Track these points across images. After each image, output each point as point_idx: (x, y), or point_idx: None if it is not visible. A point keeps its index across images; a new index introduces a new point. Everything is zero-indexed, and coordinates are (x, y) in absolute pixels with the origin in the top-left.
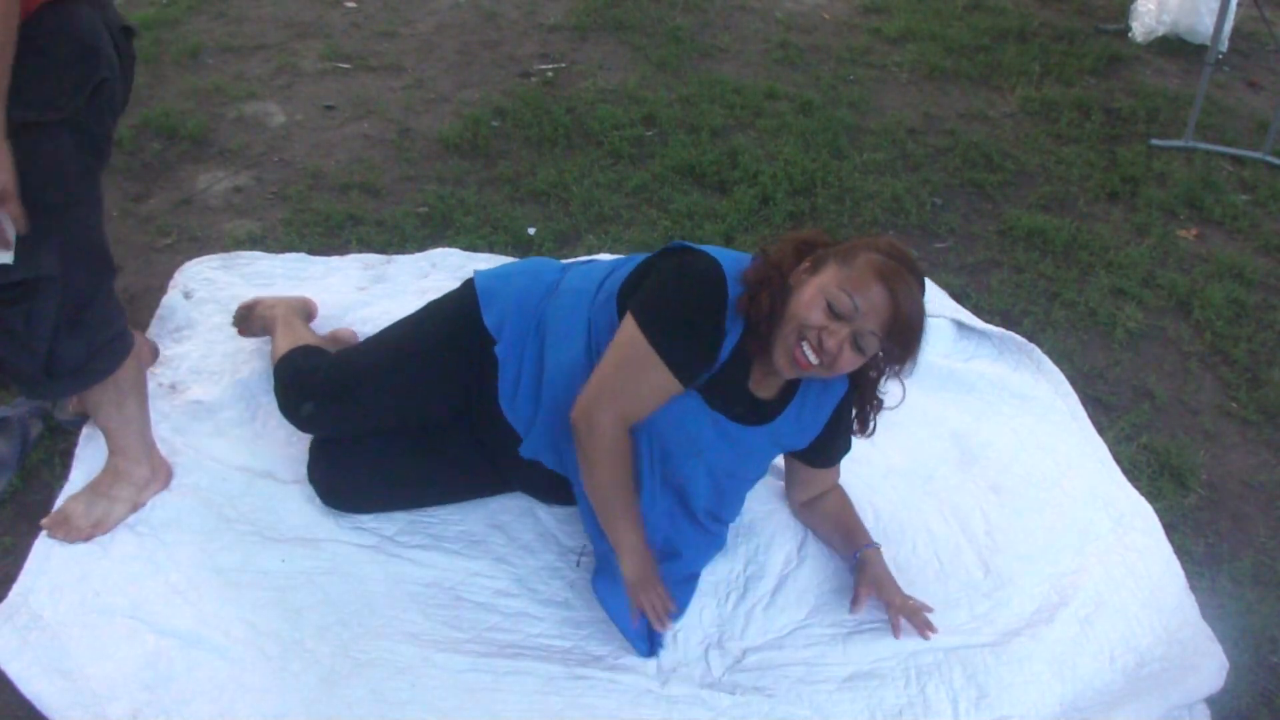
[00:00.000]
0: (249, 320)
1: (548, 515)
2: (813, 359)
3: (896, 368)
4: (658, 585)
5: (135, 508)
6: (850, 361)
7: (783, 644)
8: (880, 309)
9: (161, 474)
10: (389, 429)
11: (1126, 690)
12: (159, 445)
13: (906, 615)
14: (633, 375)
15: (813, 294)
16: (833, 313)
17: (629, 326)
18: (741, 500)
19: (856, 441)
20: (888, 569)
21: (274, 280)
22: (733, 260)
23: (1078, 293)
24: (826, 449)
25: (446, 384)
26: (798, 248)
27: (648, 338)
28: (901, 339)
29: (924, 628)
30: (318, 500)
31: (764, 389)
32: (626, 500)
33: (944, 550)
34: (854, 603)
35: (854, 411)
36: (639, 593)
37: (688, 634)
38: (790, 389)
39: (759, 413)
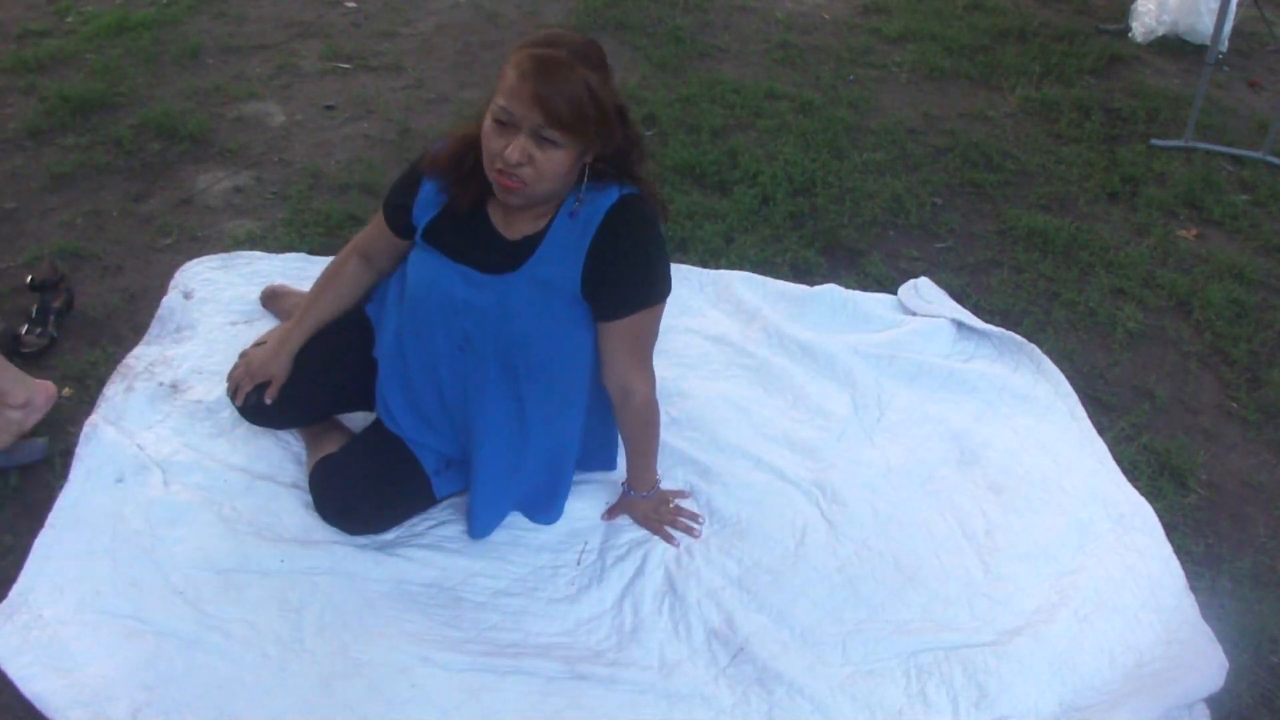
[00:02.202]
0: (276, 301)
1: None
2: (511, 178)
3: (614, 144)
4: None
5: (20, 429)
6: (551, 161)
7: (784, 642)
8: (532, 101)
9: (40, 396)
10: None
11: (1126, 690)
12: (160, 444)
13: (675, 525)
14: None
15: (486, 120)
16: (503, 127)
17: None
18: (569, 373)
19: (856, 441)
20: (647, 507)
21: (274, 280)
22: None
23: (1078, 293)
24: (601, 290)
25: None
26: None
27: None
28: (571, 119)
29: (688, 530)
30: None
31: (513, 229)
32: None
33: (944, 550)
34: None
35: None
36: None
37: (690, 623)
38: (549, 224)
39: (514, 256)
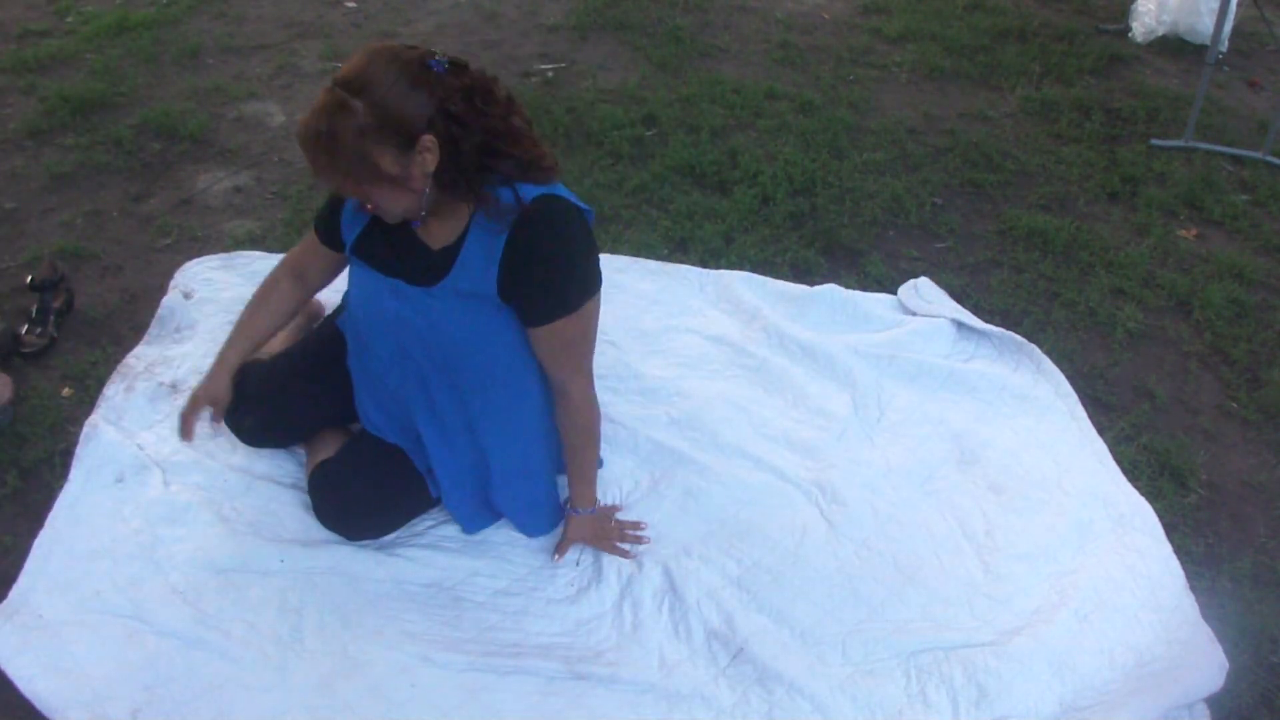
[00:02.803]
0: None
1: None
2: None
3: (424, 163)
4: None
5: None
6: (381, 199)
7: (784, 642)
8: (320, 175)
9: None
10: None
11: (1126, 690)
12: (160, 444)
13: (624, 539)
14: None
15: None
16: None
17: None
18: (511, 377)
19: (856, 441)
20: (593, 526)
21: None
22: None
23: (1078, 293)
24: (518, 299)
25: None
26: None
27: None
28: (355, 180)
29: (637, 540)
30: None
31: (435, 238)
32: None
33: (944, 550)
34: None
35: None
36: None
37: (689, 623)
38: (464, 234)
39: (437, 268)
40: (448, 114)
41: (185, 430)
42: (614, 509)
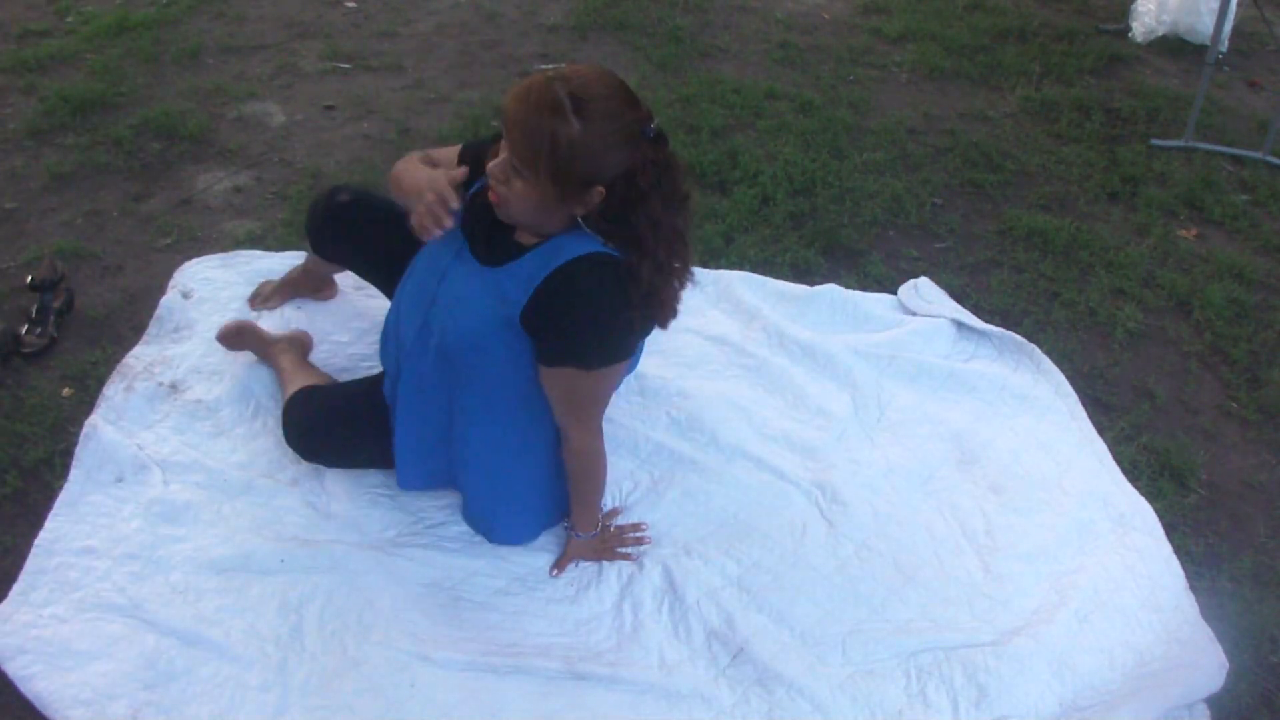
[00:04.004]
0: (239, 339)
1: None
2: (493, 199)
3: (586, 207)
4: None
5: None
6: (514, 189)
7: (784, 642)
8: (509, 126)
9: None
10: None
11: (1126, 690)
12: (159, 444)
13: (621, 546)
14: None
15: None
16: (503, 141)
17: None
18: (503, 392)
19: (856, 441)
20: (591, 546)
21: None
22: None
23: (1078, 293)
24: (537, 331)
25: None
26: None
27: None
28: (526, 157)
29: (638, 542)
30: (317, 501)
31: (527, 235)
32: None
33: (944, 550)
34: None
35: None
36: None
37: (689, 623)
38: (535, 246)
39: (499, 257)
40: (632, 182)
41: (440, 218)
42: (613, 513)
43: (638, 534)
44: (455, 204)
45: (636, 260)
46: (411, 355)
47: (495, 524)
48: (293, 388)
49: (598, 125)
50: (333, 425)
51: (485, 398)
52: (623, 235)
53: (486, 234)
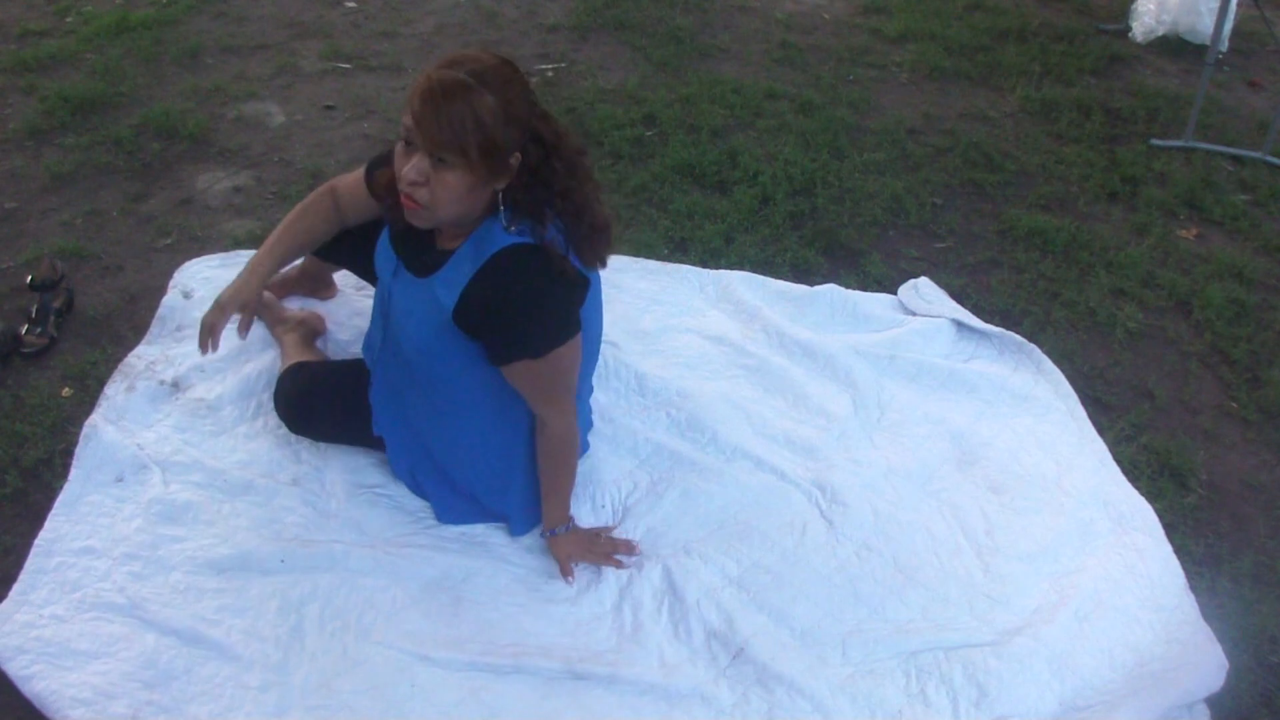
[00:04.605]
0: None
1: None
2: (412, 198)
3: (513, 173)
4: None
5: None
6: (445, 183)
7: (783, 642)
8: (421, 123)
9: None
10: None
11: (1126, 690)
12: (160, 444)
13: (617, 552)
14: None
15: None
16: (407, 146)
17: None
18: (450, 389)
19: (856, 441)
20: (580, 539)
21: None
22: None
23: (1078, 293)
24: (477, 334)
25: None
26: None
27: None
28: (456, 144)
29: (630, 552)
30: (317, 501)
31: (442, 237)
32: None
33: (944, 550)
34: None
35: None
36: None
37: (689, 623)
38: (459, 247)
39: (431, 266)
40: (539, 139)
41: (211, 340)
42: (604, 529)
43: (628, 546)
44: (217, 342)
45: (557, 214)
46: (381, 363)
47: (443, 503)
48: (288, 363)
49: (504, 92)
50: (320, 397)
51: (457, 398)
52: (538, 198)
53: (413, 247)
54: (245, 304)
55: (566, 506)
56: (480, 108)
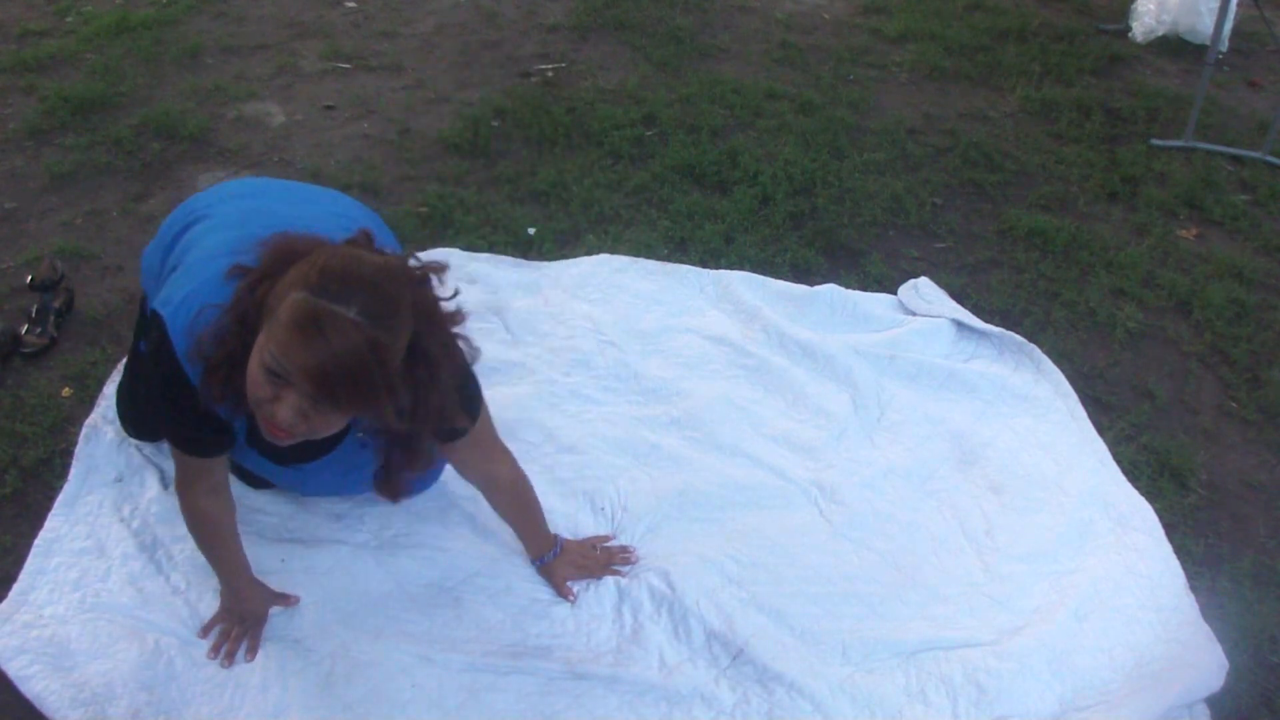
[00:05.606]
0: None
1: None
2: (282, 437)
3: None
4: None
5: None
6: (329, 423)
7: (783, 642)
8: (303, 367)
9: None
10: None
11: (1126, 690)
12: (160, 444)
13: (613, 562)
14: (181, 461)
15: (253, 362)
16: (274, 376)
17: None
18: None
19: (856, 441)
20: (573, 558)
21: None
22: (208, 315)
23: (1078, 293)
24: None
25: None
26: (259, 287)
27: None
28: (350, 400)
29: (626, 560)
30: (318, 501)
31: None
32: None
33: (944, 550)
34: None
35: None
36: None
37: (689, 624)
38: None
39: (325, 442)
40: (418, 348)
41: (249, 650)
42: (600, 539)
43: (625, 554)
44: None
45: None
46: (310, 475)
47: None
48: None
49: (396, 317)
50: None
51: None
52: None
53: (293, 450)
54: (261, 618)
55: (546, 533)
56: (388, 356)
